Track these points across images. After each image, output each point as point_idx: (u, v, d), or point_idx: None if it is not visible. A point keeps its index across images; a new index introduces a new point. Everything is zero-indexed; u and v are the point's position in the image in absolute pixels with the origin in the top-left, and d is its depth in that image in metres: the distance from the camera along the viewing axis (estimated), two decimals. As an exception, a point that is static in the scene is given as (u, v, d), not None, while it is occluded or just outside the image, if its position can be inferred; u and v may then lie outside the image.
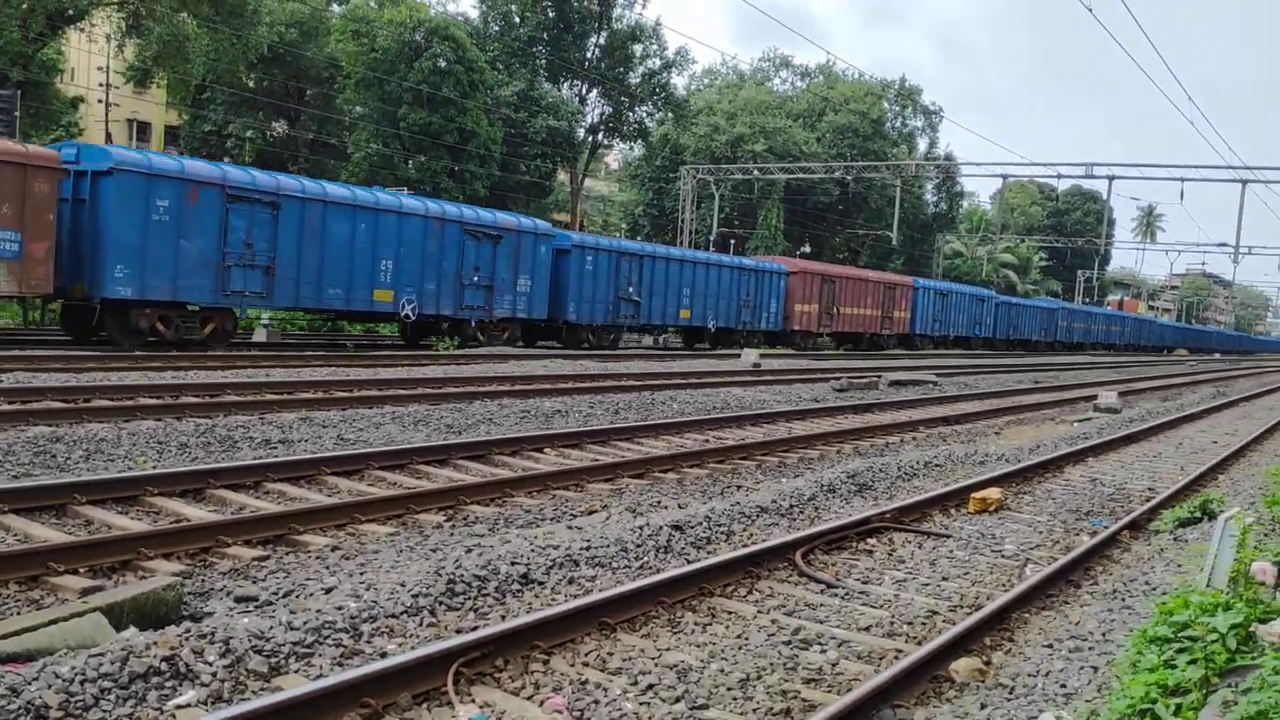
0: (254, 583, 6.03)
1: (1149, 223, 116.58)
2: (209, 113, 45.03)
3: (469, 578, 5.75)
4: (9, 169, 16.83)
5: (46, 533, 6.62)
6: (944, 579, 7.00)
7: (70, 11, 32.68)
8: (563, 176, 56.32)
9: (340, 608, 5.11)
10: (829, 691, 4.87)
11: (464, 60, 41.72)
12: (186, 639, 4.44)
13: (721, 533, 7.61)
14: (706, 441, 12.76)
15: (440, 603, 5.46)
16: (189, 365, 16.30)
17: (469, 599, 5.59)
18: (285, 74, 45.16)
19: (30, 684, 3.91)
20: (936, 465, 11.76)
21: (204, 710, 4.05)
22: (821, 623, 5.86)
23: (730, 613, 5.93)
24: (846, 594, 6.46)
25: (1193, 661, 4.15)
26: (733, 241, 53.94)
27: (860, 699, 4.47)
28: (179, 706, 4.06)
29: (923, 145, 73.99)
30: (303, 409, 12.44)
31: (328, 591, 5.60)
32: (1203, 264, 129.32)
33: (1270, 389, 34.67)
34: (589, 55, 52.55)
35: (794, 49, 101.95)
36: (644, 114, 56.19)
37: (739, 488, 9.95)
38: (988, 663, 5.31)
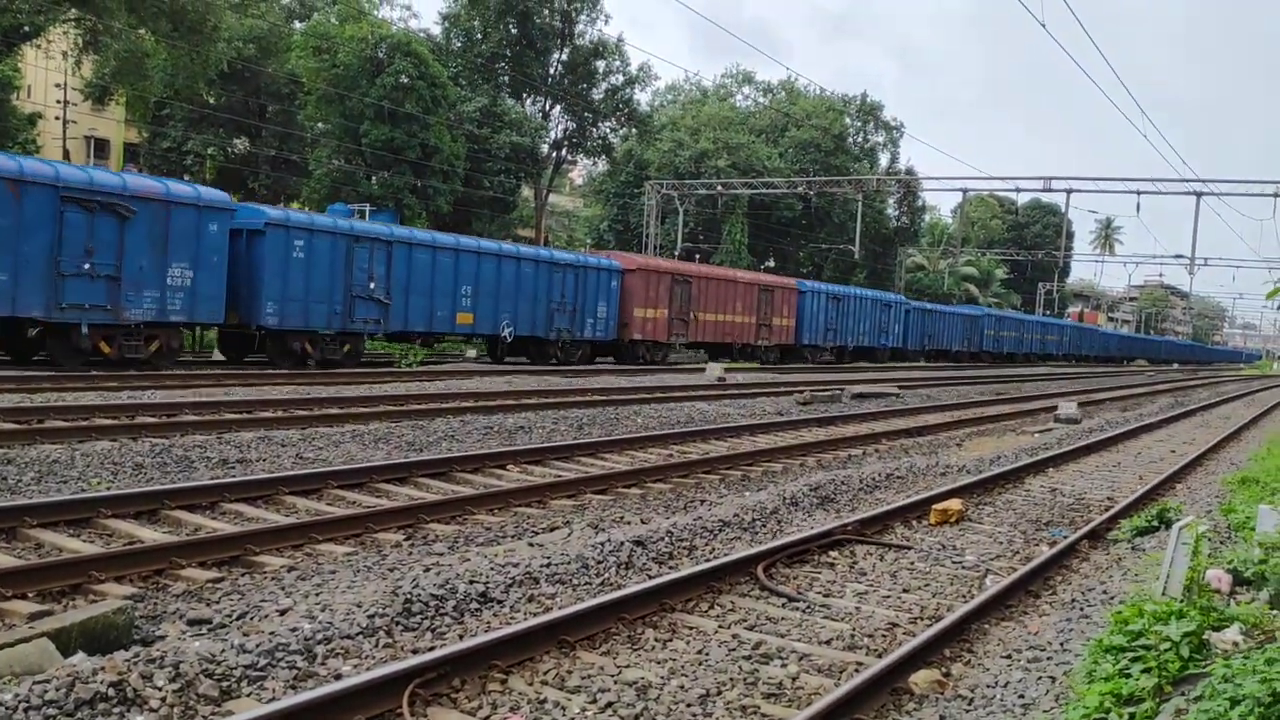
0: (208, 605, 5.93)
1: (1107, 235, 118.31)
2: (168, 129, 44.60)
3: (426, 597, 5.69)
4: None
5: (-6, 557, 6.48)
6: (905, 591, 7.02)
7: (26, 28, 32.27)
8: (527, 192, 56.25)
9: (295, 629, 5.03)
10: (789, 706, 4.86)
11: (426, 76, 41.56)
12: (135, 664, 4.35)
13: (684, 547, 7.59)
14: (670, 456, 12.75)
15: (397, 623, 5.40)
16: (147, 385, 16.08)
17: (426, 619, 5.53)
18: (245, 90, 44.83)
19: (-29, 713, 3.81)
20: (899, 477, 11.82)
21: (152, 737, 3.97)
22: (783, 636, 5.85)
23: (691, 628, 5.90)
24: (808, 607, 6.45)
25: (1146, 670, 4.18)
26: (697, 256, 54.07)
27: (820, 712, 4.46)
28: (126, 733, 3.98)
29: (884, 160, 74.54)
30: (262, 428, 12.30)
31: (282, 613, 5.52)
32: (1160, 275, 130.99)
33: (1226, 398, 35.20)
34: (552, 71, 52.58)
35: (756, 65, 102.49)
36: (608, 130, 56.24)
37: (702, 502, 9.94)
38: (947, 674, 5.32)
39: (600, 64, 53.14)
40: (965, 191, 53.26)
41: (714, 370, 27.95)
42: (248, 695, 4.44)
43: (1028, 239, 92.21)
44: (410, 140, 41.19)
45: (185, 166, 45.62)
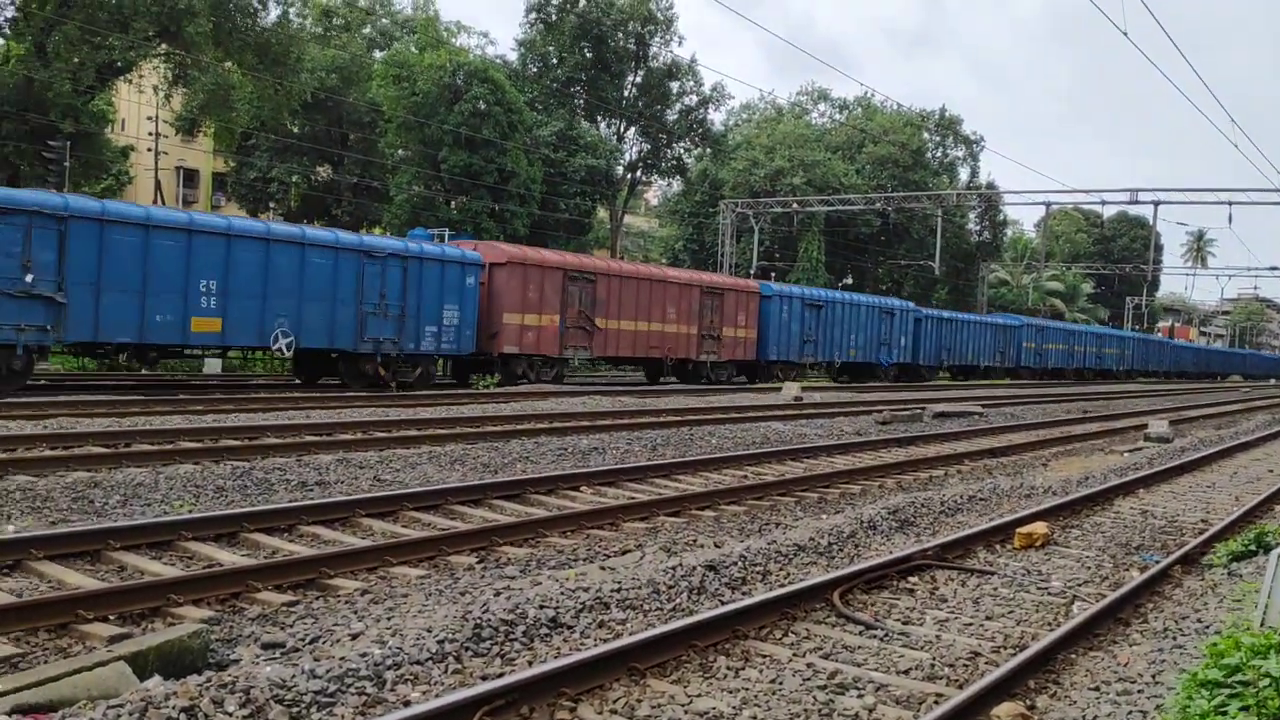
0: (282, 629, 5.98)
1: (1199, 248, 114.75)
2: (254, 159, 45.87)
3: (496, 622, 5.66)
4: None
5: (79, 579, 6.63)
6: (987, 618, 6.79)
7: (119, 64, 33.47)
8: (602, 214, 56.61)
9: (365, 654, 5.03)
10: (865, 739, 4.70)
11: (503, 102, 42.16)
12: (207, 689, 4.38)
13: (757, 572, 7.45)
14: (745, 477, 12.60)
15: (466, 648, 5.36)
16: (231, 409, 16.44)
17: (496, 644, 5.49)
18: (328, 119, 45.91)
19: (47, 737, 3.86)
20: (981, 499, 11.51)
21: (221, 763, 3.98)
22: (859, 665, 5.68)
23: (765, 656, 5.77)
24: (886, 635, 6.27)
25: (1244, 708, 3.95)
26: (773, 275, 53.74)
27: (896, 747, 4.30)
28: (196, 759, 4.00)
29: (964, 175, 73.47)
30: (340, 450, 12.46)
31: (354, 637, 5.54)
32: (1255, 288, 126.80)
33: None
34: (626, 93, 52.94)
35: (831, 82, 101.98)
36: (682, 150, 56.42)
37: (777, 525, 9.78)
38: (1031, 707, 5.11)
39: (674, 85, 53.40)
40: (1048, 205, 52.15)
41: (791, 389, 27.67)
42: (317, 721, 4.43)
43: (1114, 252, 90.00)
44: (488, 165, 41.76)
45: (270, 195, 46.84)
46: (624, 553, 8.18)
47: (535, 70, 51.18)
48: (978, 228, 73.11)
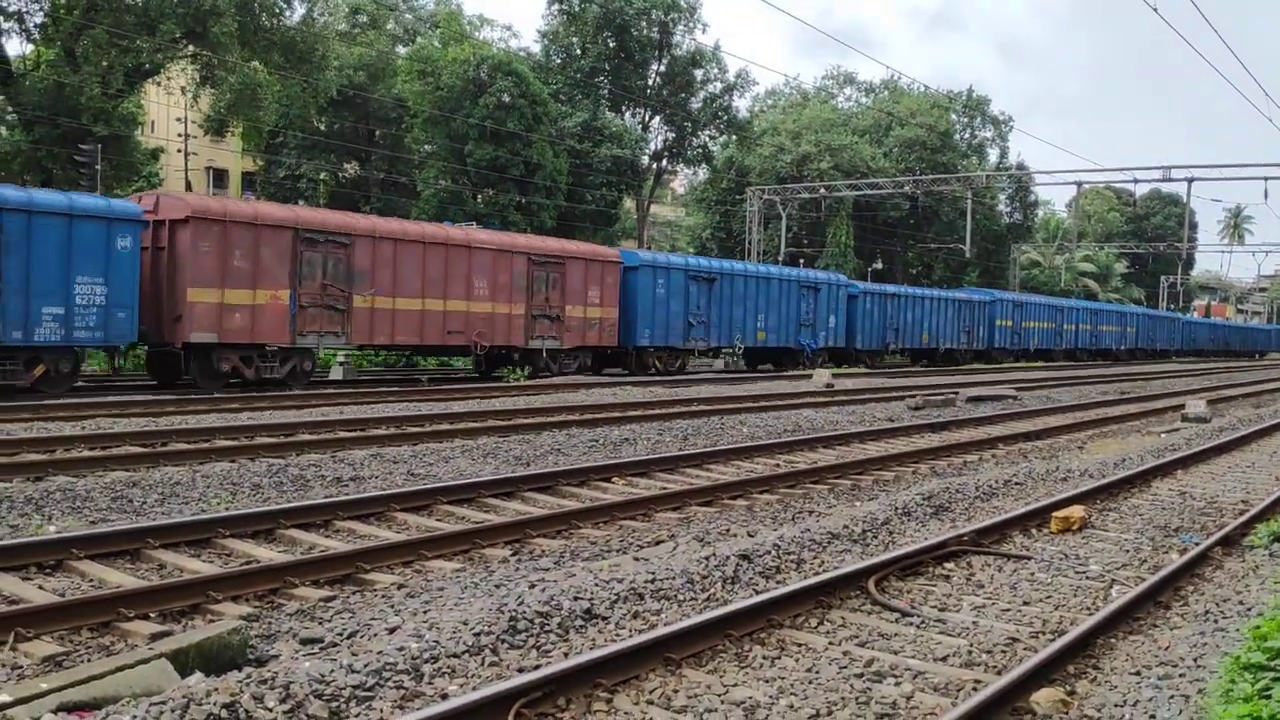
0: (319, 624, 6.03)
1: (1236, 224, 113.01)
2: (283, 157, 46.23)
3: (531, 614, 5.68)
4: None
5: (120, 577, 6.71)
6: (1025, 603, 6.74)
7: (147, 66, 33.78)
8: (629, 204, 56.57)
9: (402, 648, 5.06)
10: (903, 727, 4.68)
11: (527, 94, 42.22)
12: (247, 685, 4.42)
13: (791, 561, 7.43)
14: (777, 466, 12.56)
15: (502, 640, 5.39)
16: (265, 405, 16.59)
17: (531, 636, 5.51)
18: (355, 116, 46.16)
19: (92, 734, 3.91)
20: (1016, 483, 11.41)
21: (263, 758, 4.02)
22: (896, 653, 5.65)
23: (800, 645, 5.76)
24: (922, 622, 6.24)
25: (1290, 691, 3.90)
26: (801, 260, 53.50)
27: (935, 735, 4.27)
28: (238, 754, 4.04)
29: (993, 156, 72.89)
30: (374, 445, 12.55)
31: (391, 631, 5.57)
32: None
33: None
34: (650, 82, 52.84)
35: (856, 65, 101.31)
36: (707, 138, 56.26)
37: (810, 513, 9.75)
38: (1071, 693, 5.07)
39: (698, 73, 53.28)
40: (1080, 185, 51.58)
41: (822, 376, 27.56)
42: (356, 716, 4.46)
43: (1148, 231, 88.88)
44: (513, 158, 41.86)
45: (299, 192, 47.17)
46: (657, 543, 8.18)
47: (559, 62, 51.20)
48: (1008, 209, 72.50)
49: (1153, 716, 4.63)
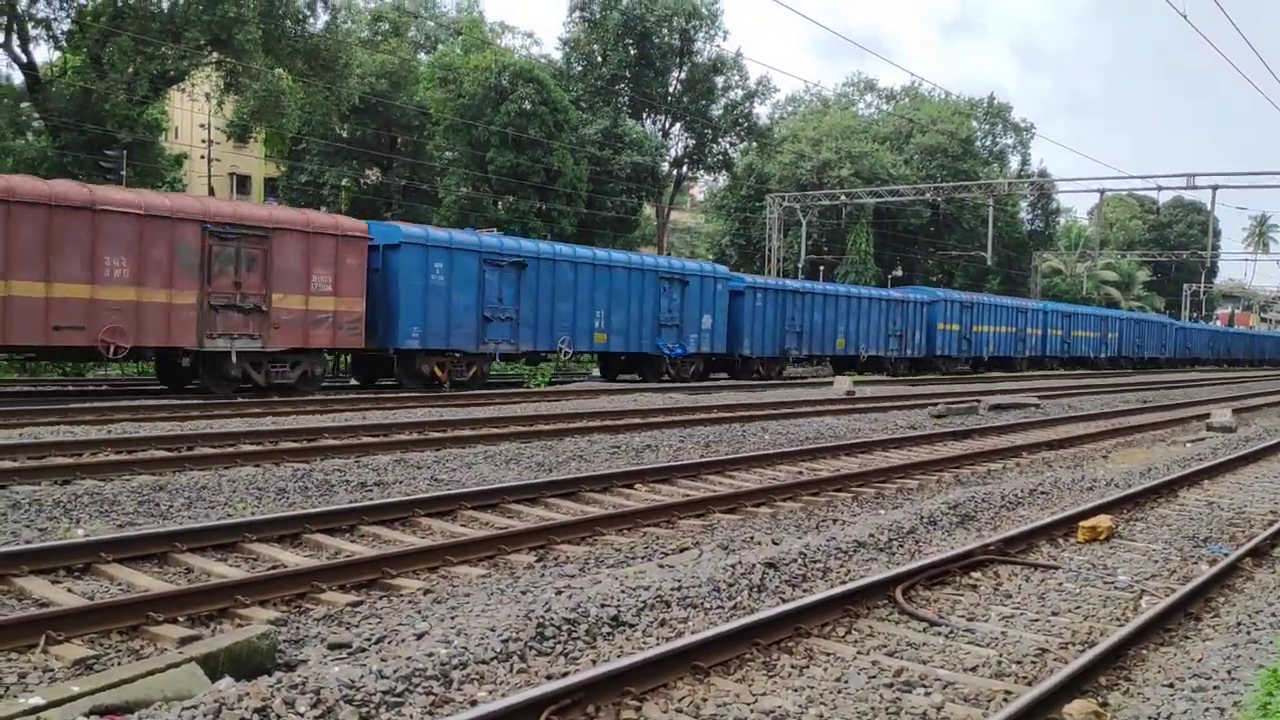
0: (347, 629, 6.04)
1: (1261, 233, 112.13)
2: (305, 164, 46.49)
3: (559, 621, 5.67)
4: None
5: (148, 581, 6.74)
6: (1054, 614, 6.69)
7: (171, 73, 34.06)
8: (649, 210, 56.61)
9: (431, 654, 5.06)
10: (934, 738, 4.64)
11: (548, 101, 42.34)
12: (278, 690, 4.43)
13: (817, 569, 7.40)
14: (800, 473, 12.52)
15: (530, 647, 5.38)
16: (289, 410, 16.65)
17: (559, 643, 5.50)
18: (377, 123, 46.39)
19: (125, 738, 3.93)
20: (1042, 492, 11.34)
21: (294, 763, 4.02)
22: (924, 663, 5.62)
23: (828, 654, 5.73)
24: (950, 632, 6.20)
25: (1331, 705, 3.84)
26: (821, 268, 53.43)
27: (967, 746, 4.24)
28: (270, 759, 4.04)
29: (1015, 163, 72.59)
30: (398, 451, 12.57)
31: (419, 637, 5.57)
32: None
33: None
34: (671, 90, 52.88)
35: (876, 71, 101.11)
36: (728, 145, 56.25)
37: (835, 521, 9.71)
38: (1104, 704, 5.02)
39: (719, 80, 53.29)
40: (1103, 192, 51.27)
41: (843, 383, 27.47)
42: (386, 721, 4.47)
43: (1171, 239, 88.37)
44: (534, 165, 41.97)
45: (322, 198, 47.44)
46: (682, 550, 8.16)
47: (580, 69, 51.31)
48: (1030, 216, 72.19)
49: (1188, 729, 4.58)
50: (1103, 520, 9.19)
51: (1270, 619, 6.46)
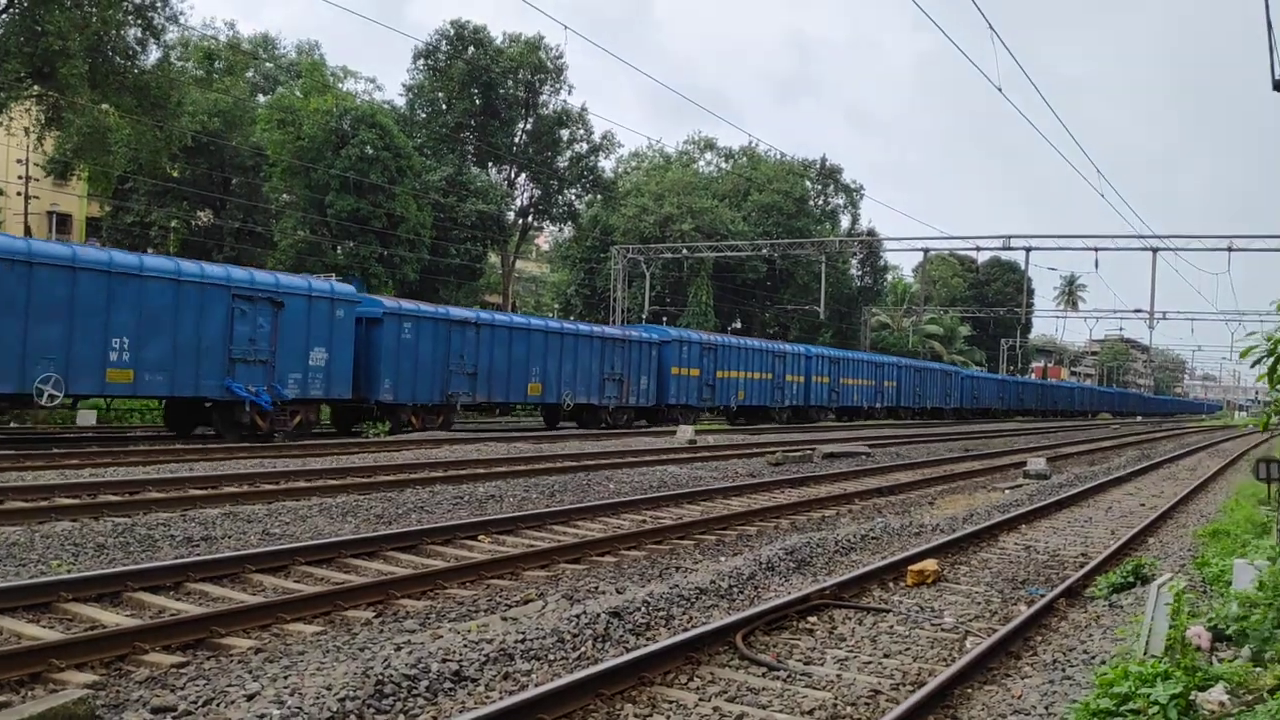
0: (172, 691, 5.73)
1: (1070, 291, 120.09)
2: (131, 203, 44.45)
3: (399, 677, 5.54)
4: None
5: (-51, 647, 6.26)
6: (885, 655, 6.93)
7: (-13, 105, 32.18)
8: (494, 259, 56.43)
9: (263, 715, 4.88)
10: (774, 781, 4.74)
11: (391, 146, 41.86)
12: (96, 758, 4.18)
13: (661, 617, 7.47)
14: (644, 522, 12.62)
15: (369, 705, 5.24)
16: (109, 462, 15.79)
17: (399, 700, 5.38)
18: (209, 163, 44.83)
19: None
20: (873, 538, 11.76)
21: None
22: (764, 708, 5.74)
23: (671, 702, 5.78)
24: (789, 676, 6.35)
25: (1135, 734, 4.12)
26: (664, 319, 54.25)
27: (806, 788, 4.34)
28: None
29: (845, 221, 75.73)
30: (227, 504, 12.08)
31: (250, 698, 5.35)
32: (1120, 329, 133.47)
33: (1190, 449, 35.53)
34: (517, 140, 53.09)
35: (715, 131, 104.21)
36: (573, 196, 56.76)
37: (678, 569, 9.82)
38: (933, 742, 5.23)
39: (564, 133, 53.79)
40: (926, 251, 54.07)
41: (685, 432, 27.88)
42: (214, 788, 4.27)
43: (989, 296, 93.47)
44: (376, 210, 41.32)
45: (149, 240, 45.43)
46: (526, 602, 8.10)
47: (424, 115, 50.99)
48: (859, 273, 75.24)
49: (1009, 763, 4.82)
50: (929, 564, 9.60)
51: (1083, 656, 6.86)
